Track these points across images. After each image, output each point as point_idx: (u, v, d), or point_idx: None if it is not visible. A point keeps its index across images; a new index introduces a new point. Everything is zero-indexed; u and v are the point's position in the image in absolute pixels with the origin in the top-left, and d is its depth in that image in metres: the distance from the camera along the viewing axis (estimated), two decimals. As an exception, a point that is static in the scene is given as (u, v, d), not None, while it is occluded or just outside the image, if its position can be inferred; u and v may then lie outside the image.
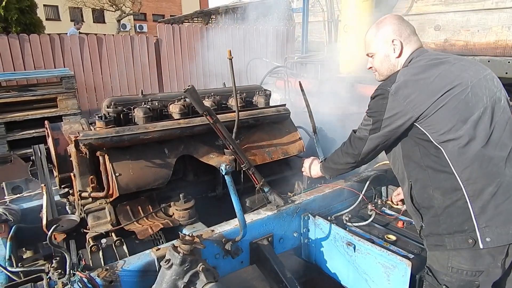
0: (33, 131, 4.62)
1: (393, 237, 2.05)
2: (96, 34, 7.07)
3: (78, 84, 5.38)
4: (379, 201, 2.38)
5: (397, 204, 2.33)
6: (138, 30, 25.84)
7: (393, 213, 2.32)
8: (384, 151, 1.82)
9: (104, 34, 7.18)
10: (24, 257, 2.30)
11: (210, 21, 17.22)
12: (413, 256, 1.85)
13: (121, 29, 22.72)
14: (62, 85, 4.85)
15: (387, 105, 1.59)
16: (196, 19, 18.74)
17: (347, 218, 2.19)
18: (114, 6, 22.63)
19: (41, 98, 4.66)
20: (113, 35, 7.66)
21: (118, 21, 22.74)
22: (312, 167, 2.31)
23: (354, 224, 2.16)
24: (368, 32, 1.80)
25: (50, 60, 6.59)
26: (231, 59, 2.03)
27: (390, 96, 1.58)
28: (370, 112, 1.70)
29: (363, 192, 2.29)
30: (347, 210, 2.24)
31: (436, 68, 1.57)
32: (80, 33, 9.05)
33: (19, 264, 2.01)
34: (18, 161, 3.80)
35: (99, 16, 26.68)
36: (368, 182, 2.35)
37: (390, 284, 1.84)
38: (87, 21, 24.90)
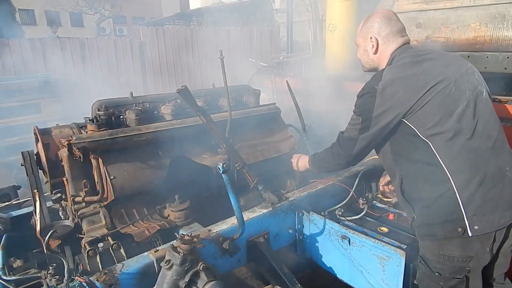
0: (17, 138, 4.51)
1: (385, 229, 2.10)
2: (78, 38, 6.95)
3: (61, 89, 5.28)
4: (370, 195, 2.44)
5: (388, 190, 2.40)
6: (118, 33, 25.45)
7: (383, 206, 2.38)
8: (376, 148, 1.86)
9: (86, 38, 7.07)
10: (14, 266, 2.24)
11: (191, 23, 17.13)
12: (406, 246, 1.90)
13: (100, 33, 22.31)
14: (45, 90, 4.75)
15: (375, 103, 1.63)
16: (178, 21, 18.61)
17: (340, 213, 2.24)
18: (93, 9, 22.22)
19: (24, 104, 4.56)
20: (95, 38, 7.55)
21: (98, 24, 22.34)
22: (300, 160, 2.36)
23: (347, 218, 2.20)
24: (359, 24, 1.88)
25: (31, 65, 6.44)
26: (222, 59, 2.04)
27: (378, 94, 1.62)
28: (358, 111, 1.74)
29: (354, 187, 2.34)
30: (340, 205, 2.28)
31: (421, 65, 1.63)
32: (58, 37, 8.88)
33: (10, 273, 1.97)
34: (1, 169, 3.70)
35: (77, 20, 26.13)
36: (358, 177, 2.40)
37: (386, 274, 1.89)
38: (65, 25, 24.36)
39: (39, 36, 8.89)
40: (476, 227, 1.53)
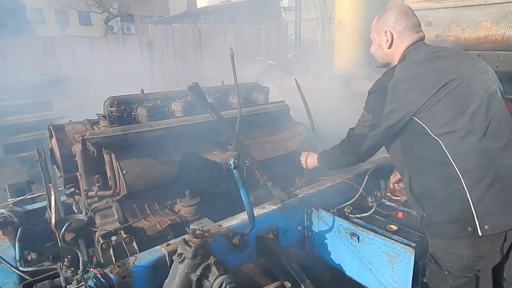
0: (29, 134, 4.59)
1: (394, 227, 2.11)
2: (88, 37, 7.03)
3: (72, 86, 5.35)
4: (379, 193, 2.45)
5: (398, 188, 2.39)
6: (125, 32, 25.61)
7: (392, 204, 2.39)
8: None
9: (96, 36, 7.15)
10: (28, 259, 2.29)
11: (199, 22, 17.20)
12: (415, 244, 1.91)
13: (108, 31, 22.48)
14: (56, 88, 4.82)
15: (386, 100, 1.62)
16: (185, 19, 18.70)
17: (348, 211, 2.25)
18: (101, 7, 22.39)
19: (36, 101, 4.63)
20: (105, 36, 7.64)
21: (106, 23, 22.51)
22: (309, 157, 2.38)
23: (356, 215, 2.22)
24: (375, 18, 1.86)
25: (42, 63, 6.53)
26: (232, 56, 2.06)
27: (389, 91, 1.61)
28: (369, 107, 1.74)
29: (363, 185, 2.35)
30: (349, 202, 2.30)
31: (433, 63, 1.62)
32: (67, 35, 9.00)
33: (24, 265, 2.01)
34: (14, 165, 3.77)
35: (85, 19, 26.36)
36: (367, 175, 2.41)
37: (394, 272, 1.90)
38: (73, 24, 24.61)
39: (48, 34, 9.01)
40: (486, 227, 1.52)
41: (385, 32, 1.76)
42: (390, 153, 1.87)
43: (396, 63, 1.74)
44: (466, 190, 1.53)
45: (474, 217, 1.53)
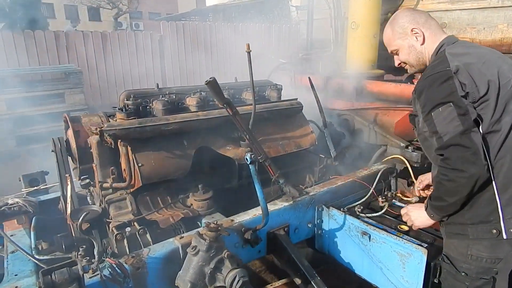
0: (42, 126, 4.64)
1: (405, 228, 2.10)
2: (101, 32, 7.08)
3: (84, 80, 5.41)
4: (389, 194, 2.44)
5: (425, 195, 2.31)
6: (134, 28, 25.73)
7: (403, 205, 2.38)
8: (418, 136, 1.73)
9: (108, 32, 7.21)
10: (39, 248, 2.32)
11: (207, 20, 17.24)
12: (427, 244, 1.90)
13: (118, 28, 22.60)
14: (69, 81, 4.87)
15: (456, 84, 1.45)
16: (193, 17, 18.75)
17: (359, 210, 2.25)
18: (111, 4, 22.52)
19: (48, 93, 4.68)
20: (116, 32, 7.70)
21: (115, 19, 22.62)
22: (415, 214, 1.82)
23: (366, 215, 2.21)
24: (385, 32, 1.80)
25: (54, 56, 6.60)
26: (249, 53, 2.07)
27: (455, 75, 1.47)
28: (443, 99, 1.47)
29: (374, 185, 2.35)
30: (360, 202, 2.29)
31: (483, 56, 1.53)
32: (77, 30, 9.05)
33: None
34: (26, 157, 3.81)
35: (95, 14, 26.53)
36: (378, 175, 2.41)
37: (406, 272, 1.89)
38: (83, 19, 24.79)
39: (58, 29, 9.08)
40: None
41: (412, 30, 1.68)
42: (425, 148, 1.75)
43: (430, 57, 1.68)
44: (496, 192, 1.50)
45: (500, 220, 1.50)
